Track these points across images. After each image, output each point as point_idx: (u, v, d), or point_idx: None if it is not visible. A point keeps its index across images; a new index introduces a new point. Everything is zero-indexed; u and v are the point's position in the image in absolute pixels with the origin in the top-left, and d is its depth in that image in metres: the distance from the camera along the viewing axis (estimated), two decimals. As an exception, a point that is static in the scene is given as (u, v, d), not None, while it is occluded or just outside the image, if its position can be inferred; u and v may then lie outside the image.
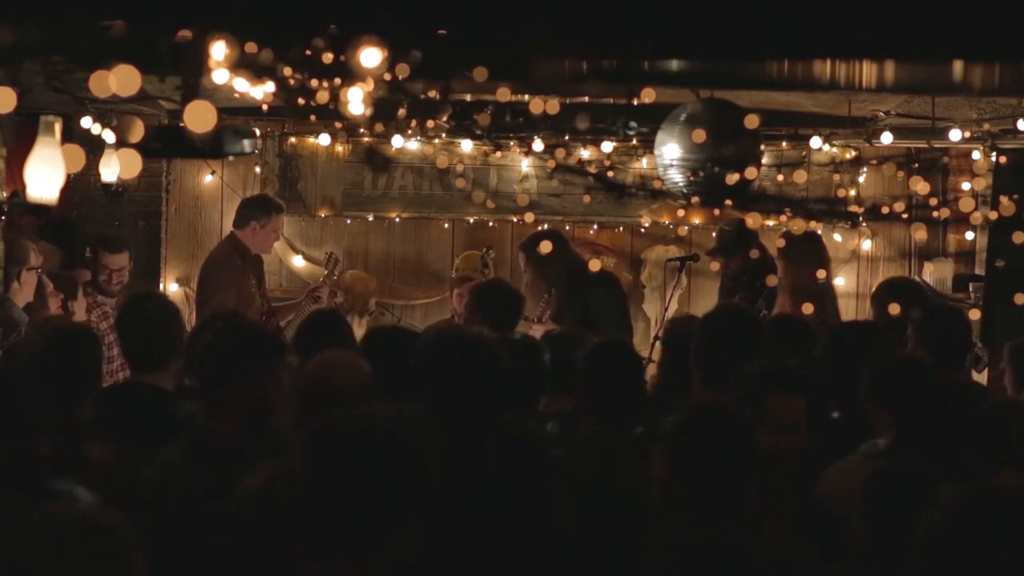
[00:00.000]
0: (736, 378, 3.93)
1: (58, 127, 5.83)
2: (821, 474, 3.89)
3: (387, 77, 4.79)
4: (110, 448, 3.86)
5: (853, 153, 9.01)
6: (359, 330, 9.06)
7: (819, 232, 7.52)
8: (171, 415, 4.44)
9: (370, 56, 4.69)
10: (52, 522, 2.50)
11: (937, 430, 3.82)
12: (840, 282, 8.87)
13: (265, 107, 5.69)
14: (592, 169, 8.46)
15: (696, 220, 9.05)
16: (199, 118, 4.16)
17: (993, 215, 7.16)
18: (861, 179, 9.15)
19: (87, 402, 4.30)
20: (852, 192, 9.01)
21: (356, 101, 4.83)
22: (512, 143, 8.63)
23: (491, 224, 9.32)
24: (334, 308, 6.92)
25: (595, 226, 9.35)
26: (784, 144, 9.00)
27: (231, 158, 7.89)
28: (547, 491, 3.28)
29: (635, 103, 6.90)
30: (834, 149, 8.97)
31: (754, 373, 3.89)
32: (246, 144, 5.28)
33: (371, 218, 9.36)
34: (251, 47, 4.61)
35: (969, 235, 9.12)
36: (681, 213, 8.64)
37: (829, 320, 6.59)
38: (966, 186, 8.64)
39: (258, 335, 4.12)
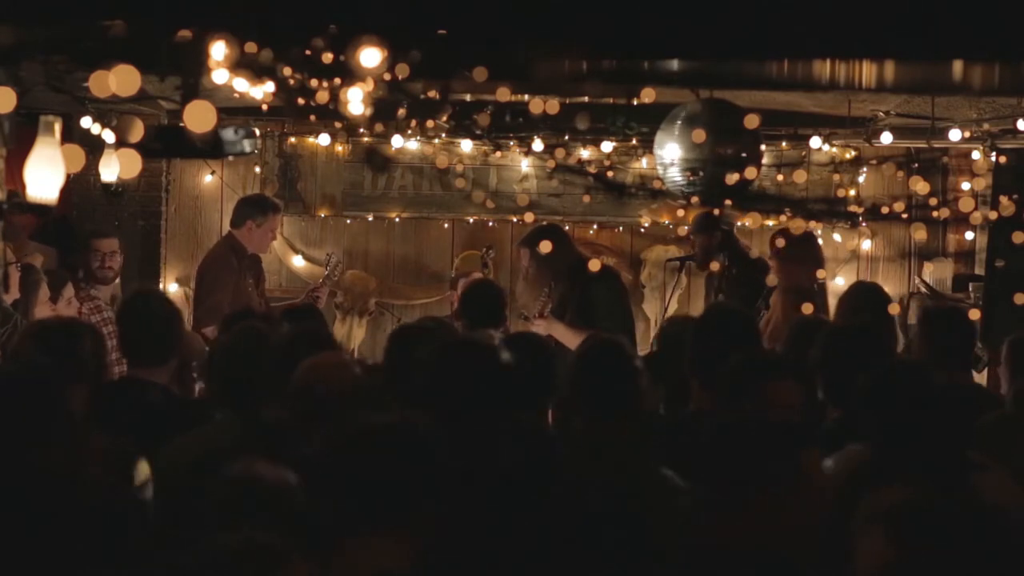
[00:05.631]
0: (723, 374, 3.94)
1: (58, 127, 5.83)
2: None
3: (387, 77, 4.79)
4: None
5: (853, 153, 9.01)
6: (359, 330, 9.11)
7: (814, 232, 7.54)
8: (168, 411, 4.46)
9: (370, 56, 4.69)
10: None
11: (922, 435, 3.81)
12: (840, 282, 8.87)
13: (265, 107, 5.69)
14: (592, 169, 8.47)
15: (696, 220, 9.05)
16: (199, 118, 4.17)
17: (993, 215, 7.16)
18: (861, 179, 9.16)
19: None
20: (852, 192, 9.01)
21: (356, 101, 4.84)
22: (512, 143, 8.63)
23: (491, 224, 9.33)
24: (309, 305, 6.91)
25: (595, 226, 9.35)
26: (784, 144, 9.00)
27: (231, 158, 7.87)
28: (554, 487, 3.29)
29: (635, 103, 6.90)
30: (834, 149, 8.97)
31: (745, 363, 3.90)
32: (246, 144, 5.28)
33: (371, 218, 9.36)
34: (251, 47, 4.61)
35: (969, 235, 9.12)
36: (681, 213, 8.64)
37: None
38: (966, 186, 8.65)
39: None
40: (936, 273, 9.08)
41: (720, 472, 3.19)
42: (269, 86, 4.96)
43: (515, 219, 9.09)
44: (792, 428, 3.38)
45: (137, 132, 4.63)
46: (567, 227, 8.90)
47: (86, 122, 7.43)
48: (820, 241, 7.91)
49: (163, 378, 4.65)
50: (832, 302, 7.17)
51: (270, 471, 3.05)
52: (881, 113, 7.93)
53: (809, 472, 3.30)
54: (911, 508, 2.51)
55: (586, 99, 7.33)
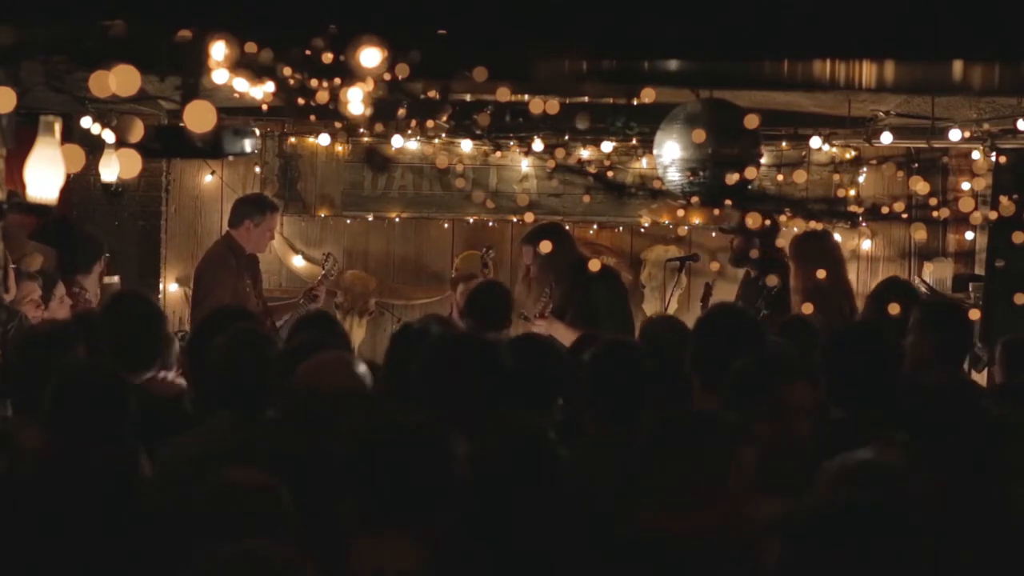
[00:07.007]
0: (729, 374, 3.94)
1: (58, 127, 5.83)
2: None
3: (387, 77, 4.79)
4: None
5: (853, 153, 9.01)
6: (359, 330, 9.11)
7: (822, 231, 7.53)
8: (150, 415, 4.44)
9: (370, 56, 4.70)
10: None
11: (939, 441, 3.79)
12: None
13: (265, 107, 5.69)
14: (592, 169, 8.47)
15: (696, 220, 9.06)
16: (199, 118, 4.17)
17: (993, 215, 7.16)
18: (861, 179, 9.16)
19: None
20: (852, 192, 9.02)
21: (356, 101, 4.84)
22: (512, 143, 8.63)
23: (491, 224, 9.33)
24: (324, 311, 6.88)
25: (595, 226, 9.35)
26: (784, 144, 9.00)
27: (231, 158, 7.89)
28: (554, 489, 3.29)
29: (635, 103, 6.90)
30: (834, 149, 8.97)
31: (756, 363, 3.89)
32: (246, 144, 5.28)
33: (371, 218, 9.36)
34: (251, 47, 4.61)
35: (969, 235, 9.13)
36: (681, 213, 8.64)
37: (846, 320, 6.57)
38: (966, 186, 8.64)
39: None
40: (936, 273, 9.07)
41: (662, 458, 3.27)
42: (269, 86, 4.96)
43: (515, 219, 9.09)
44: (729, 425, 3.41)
45: (137, 132, 4.63)
46: (567, 227, 8.92)
47: (86, 122, 7.43)
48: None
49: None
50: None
51: (255, 476, 3.05)
52: (881, 113, 7.93)
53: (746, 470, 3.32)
54: (807, 513, 2.54)
55: (586, 99, 7.33)
